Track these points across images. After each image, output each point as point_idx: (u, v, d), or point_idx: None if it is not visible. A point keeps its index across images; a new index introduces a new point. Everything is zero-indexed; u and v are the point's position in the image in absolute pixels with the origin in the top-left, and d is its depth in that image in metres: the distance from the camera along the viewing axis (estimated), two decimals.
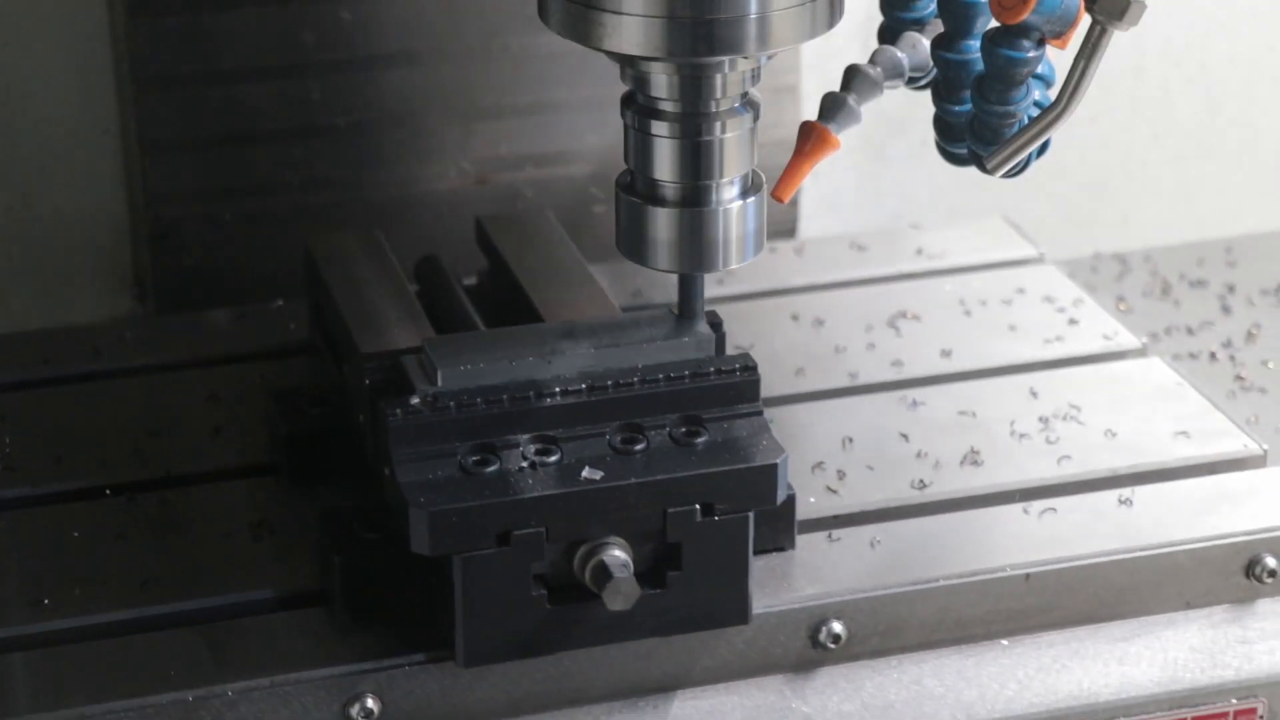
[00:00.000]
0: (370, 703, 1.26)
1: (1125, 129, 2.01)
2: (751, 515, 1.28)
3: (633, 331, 1.33)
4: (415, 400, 1.27)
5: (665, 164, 1.27)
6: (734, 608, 1.29)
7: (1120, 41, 1.24)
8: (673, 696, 1.31)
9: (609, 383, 1.29)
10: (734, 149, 1.27)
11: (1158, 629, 1.38)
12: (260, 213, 1.72)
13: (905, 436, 1.49)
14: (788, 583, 1.34)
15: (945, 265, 1.74)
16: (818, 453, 1.47)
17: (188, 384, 1.55)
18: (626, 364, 1.30)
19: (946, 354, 1.60)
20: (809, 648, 1.33)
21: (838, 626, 1.33)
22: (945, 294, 1.69)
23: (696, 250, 1.28)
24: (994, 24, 1.25)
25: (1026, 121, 1.27)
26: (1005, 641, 1.36)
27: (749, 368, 1.31)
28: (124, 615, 1.30)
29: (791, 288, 1.70)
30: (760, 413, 1.31)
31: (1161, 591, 1.38)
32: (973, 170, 1.32)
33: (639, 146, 1.28)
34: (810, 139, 1.28)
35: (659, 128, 1.26)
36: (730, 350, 1.34)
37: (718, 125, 1.26)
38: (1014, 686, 1.34)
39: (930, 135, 1.34)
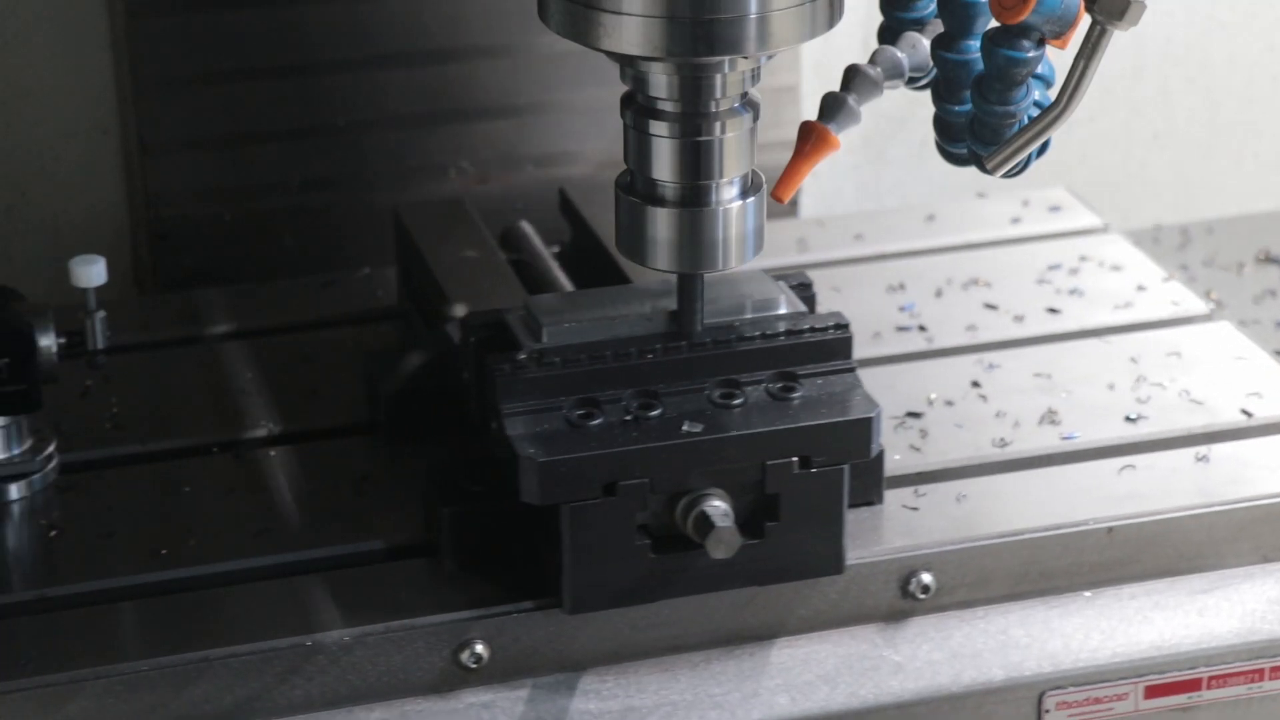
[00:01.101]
0: (479, 648, 1.30)
1: (1125, 129, 2.03)
2: (847, 468, 1.32)
3: (729, 291, 1.37)
4: (522, 356, 1.31)
5: (665, 164, 1.27)
6: (829, 558, 1.33)
7: (1120, 41, 1.25)
8: (769, 645, 1.35)
9: (707, 340, 1.33)
10: (734, 149, 1.27)
11: (1235, 581, 1.41)
12: (260, 213, 1.71)
13: (984, 397, 1.53)
14: (877, 535, 1.38)
15: (1013, 235, 1.77)
16: (899, 412, 1.51)
17: (281, 348, 1.59)
18: (723, 322, 1.34)
19: (1019, 319, 1.64)
20: (899, 598, 1.37)
21: (927, 578, 1.37)
22: (1014, 262, 1.72)
23: (696, 250, 1.29)
24: (994, 24, 1.24)
25: (1026, 121, 1.27)
26: (1088, 593, 1.40)
27: (842, 325, 1.35)
28: (239, 565, 1.34)
29: (864, 256, 1.74)
30: (853, 369, 1.35)
31: (1239, 545, 1.42)
32: (973, 170, 1.32)
33: (639, 146, 1.28)
34: (810, 139, 1.27)
35: (659, 127, 1.27)
36: None
37: (717, 125, 1.26)
38: (1098, 637, 1.38)
39: (930, 135, 1.34)
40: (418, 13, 1.69)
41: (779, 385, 1.33)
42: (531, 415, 1.29)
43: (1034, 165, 1.30)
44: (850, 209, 1.95)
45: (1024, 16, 1.21)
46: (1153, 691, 1.38)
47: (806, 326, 1.35)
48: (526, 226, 1.63)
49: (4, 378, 1.36)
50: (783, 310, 1.36)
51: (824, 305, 1.62)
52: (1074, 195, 1.83)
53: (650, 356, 1.32)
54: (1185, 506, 1.41)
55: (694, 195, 1.28)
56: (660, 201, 1.28)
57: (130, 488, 1.41)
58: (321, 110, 1.70)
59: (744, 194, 1.29)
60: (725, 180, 1.28)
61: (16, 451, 1.40)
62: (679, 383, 1.32)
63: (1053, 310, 1.65)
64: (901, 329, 1.63)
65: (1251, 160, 2.07)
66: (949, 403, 1.52)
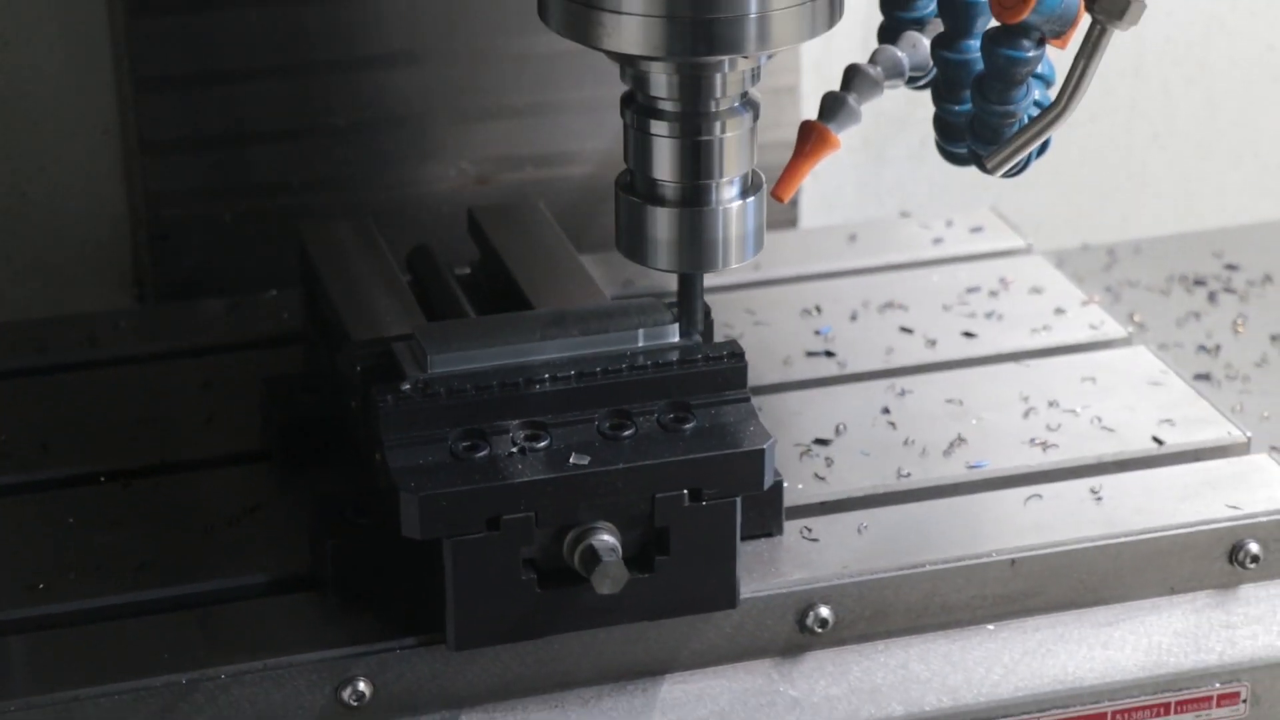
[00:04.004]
0: (362, 685, 1.27)
1: (1125, 129, 2.02)
2: (739, 500, 1.29)
3: (621, 319, 1.34)
4: (406, 386, 1.28)
5: (665, 163, 1.27)
6: (722, 592, 1.30)
7: (1120, 41, 1.25)
8: (661, 680, 1.32)
9: (597, 369, 1.30)
10: (734, 149, 1.27)
11: (1142, 614, 1.39)
12: (260, 213, 1.71)
13: (893, 425, 1.51)
14: (775, 568, 1.35)
15: (934, 256, 1.75)
16: (805, 440, 1.48)
17: (182, 372, 1.56)
18: (615, 351, 1.32)
19: (932, 344, 1.61)
20: (796, 632, 1.34)
21: (825, 611, 1.34)
22: (933, 284, 1.70)
23: (696, 250, 1.29)
24: (994, 24, 1.25)
25: (1026, 121, 1.27)
26: (991, 626, 1.37)
27: (736, 354, 1.32)
28: (118, 600, 1.31)
29: (781, 277, 1.72)
30: (748, 399, 1.32)
31: (1145, 577, 1.39)
32: (972, 170, 1.32)
33: (639, 146, 1.28)
34: (810, 139, 1.29)
35: (659, 127, 1.27)
36: (719, 338, 1.36)
37: (717, 125, 1.26)
38: (1000, 670, 1.36)
39: (930, 135, 1.35)
40: (417, 13, 1.69)
41: (671, 416, 1.30)
42: (415, 447, 1.27)
43: (1034, 164, 1.31)
44: (850, 209, 1.96)
45: (1024, 16, 1.22)
46: None
47: (700, 355, 1.32)
48: (433, 248, 1.60)
49: None
50: (676, 339, 1.33)
51: (737, 329, 1.61)
52: (999, 215, 1.80)
53: (538, 387, 1.29)
54: (1090, 537, 1.38)
55: (694, 195, 1.28)
56: (660, 201, 1.28)
57: (11, 519, 1.38)
58: (321, 110, 1.70)
59: (744, 194, 1.29)
60: (725, 180, 1.28)
61: None
62: (568, 413, 1.29)
63: (968, 334, 1.63)
64: (812, 354, 1.60)
65: (1251, 160, 2.07)
66: (857, 430, 1.50)
